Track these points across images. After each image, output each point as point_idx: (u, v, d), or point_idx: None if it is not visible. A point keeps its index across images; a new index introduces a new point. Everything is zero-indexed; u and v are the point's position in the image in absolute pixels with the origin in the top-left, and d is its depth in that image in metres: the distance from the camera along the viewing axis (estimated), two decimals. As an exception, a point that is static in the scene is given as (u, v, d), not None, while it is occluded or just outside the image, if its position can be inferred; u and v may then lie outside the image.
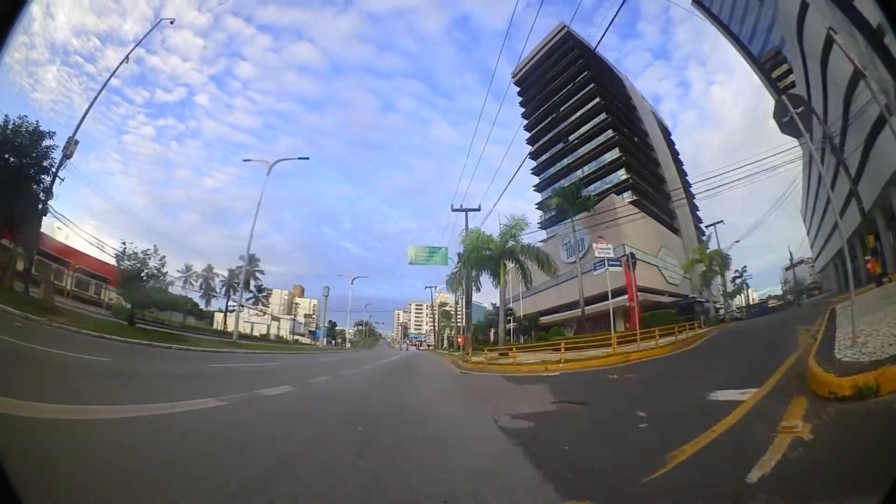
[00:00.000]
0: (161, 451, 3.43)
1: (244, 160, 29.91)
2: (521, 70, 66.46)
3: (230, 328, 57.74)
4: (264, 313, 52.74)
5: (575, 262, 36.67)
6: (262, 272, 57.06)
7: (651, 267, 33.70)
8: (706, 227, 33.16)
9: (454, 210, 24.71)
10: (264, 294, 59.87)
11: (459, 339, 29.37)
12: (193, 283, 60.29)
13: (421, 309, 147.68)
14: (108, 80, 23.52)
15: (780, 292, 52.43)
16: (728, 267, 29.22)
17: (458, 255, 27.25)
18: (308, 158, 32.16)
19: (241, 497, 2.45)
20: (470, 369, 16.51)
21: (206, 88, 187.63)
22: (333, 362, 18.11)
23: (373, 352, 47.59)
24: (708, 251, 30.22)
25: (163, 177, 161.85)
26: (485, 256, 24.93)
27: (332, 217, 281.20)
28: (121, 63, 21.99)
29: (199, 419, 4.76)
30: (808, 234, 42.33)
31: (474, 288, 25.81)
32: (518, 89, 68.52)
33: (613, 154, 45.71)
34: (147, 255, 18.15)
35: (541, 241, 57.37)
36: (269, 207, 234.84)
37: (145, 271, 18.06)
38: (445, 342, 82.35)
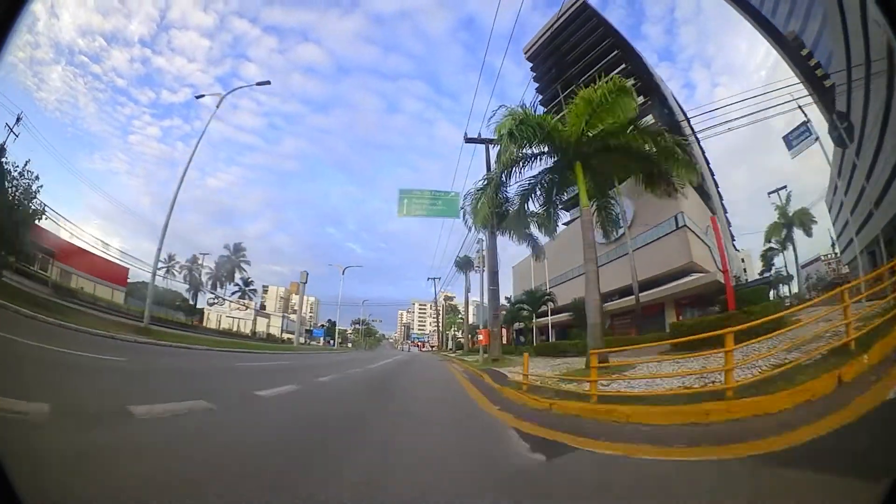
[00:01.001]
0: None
1: (196, 97, 23.11)
2: (534, 45, 61.53)
3: (217, 325, 52.40)
4: (246, 307, 47.02)
5: (612, 241, 30.62)
6: (248, 262, 51.69)
7: (704, 246, 27.63)
8: (769, 193, 27.54)
9: (468, 141, 18.00)
10: (251, 287, 54.47)
11: (480, 337, 20.91)
12: (176, 273, 54.99)
13: (425, 309, 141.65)
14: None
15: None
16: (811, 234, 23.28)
17: (477, 192, 15.24)
18: (269, 83, 26.21)
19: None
20: (551, 415, 6.00)
21: (212, 89, 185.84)
22: (237, 373, 10.80)
23: (365, 354, 38.76)
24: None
25: (168, 177, 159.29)
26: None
27: (337, 217, 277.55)
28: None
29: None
30: (833, 224, 37.17)
31: (508, 234, 16.00)
32: (531, 65, 63.45)
33: (647, 121, 39.60)
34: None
35: (564, 224, 51.85)
36: (273, 207, 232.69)
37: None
38: (450, 343, 75.49)
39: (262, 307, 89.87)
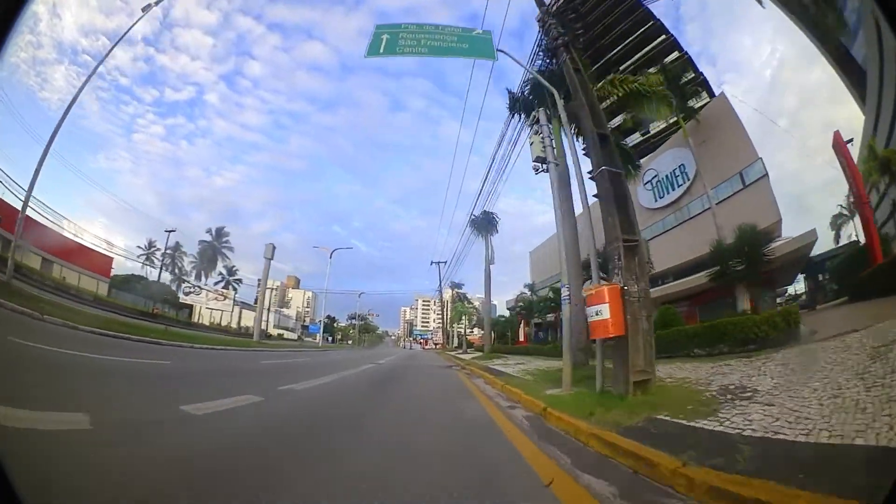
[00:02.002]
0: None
1: (143, 9, 16.99)
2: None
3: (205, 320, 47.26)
4: (224, 297, 41.85)
5: (668, 205, 25.12)
6: (231, 249, 46.49)
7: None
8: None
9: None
10: (235, 277, 49.25)
11: (599, 313, 5.43)
12: (155, 259, 49.99)
13: (428, 304, 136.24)
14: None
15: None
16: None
17: None
18: None
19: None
20: None
21: (216, 87, 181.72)
22: None
23: (350, 353, 28.67)
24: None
25: (173, 176, 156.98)
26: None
27: (343, 216, 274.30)
28: None
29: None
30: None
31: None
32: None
33: (687, 75, 34.16)
34: None
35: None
36: (279, 206, 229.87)
37: None
38: (456, 340, 69.05)
39: (256, 301, 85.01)
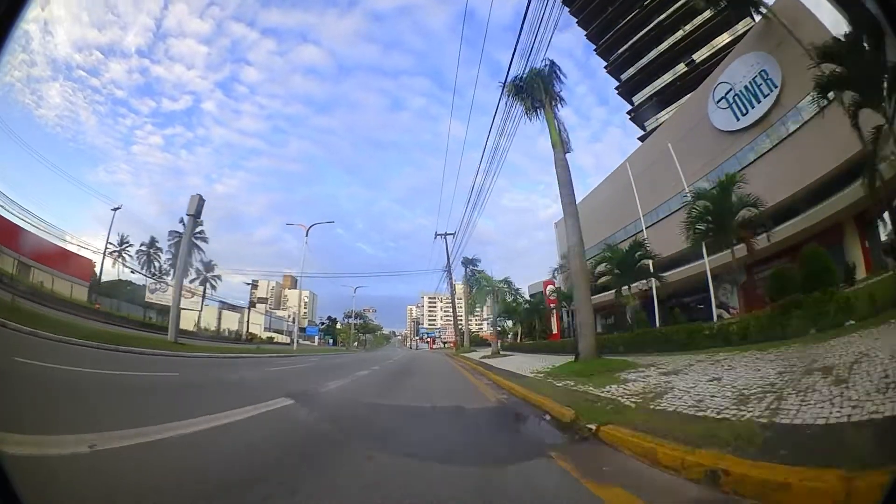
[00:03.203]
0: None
1: None
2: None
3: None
4: (192, 294, 35.55)
5: (755, 123, 18.75)
6: (205, 240, 40.09)
7: None
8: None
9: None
10: (213, 273, 42.87)
11: None
12: (129, 256, 43.98)
13: (435, 302, 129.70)
14: None
15: None
16: None
17: None
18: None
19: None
20: None
21: (213, 95, 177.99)
22: None
23: (327, 360, 21.50)
24: None
25: (174, 185, 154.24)
26: None
27: (346, 218, 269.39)
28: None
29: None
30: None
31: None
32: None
33: None
34: None
35: (655, 124, 38.49)
36: (281, 210, 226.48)
37: None
38: (467, 339, 60.63)
39: (252, 304, 79.12)
